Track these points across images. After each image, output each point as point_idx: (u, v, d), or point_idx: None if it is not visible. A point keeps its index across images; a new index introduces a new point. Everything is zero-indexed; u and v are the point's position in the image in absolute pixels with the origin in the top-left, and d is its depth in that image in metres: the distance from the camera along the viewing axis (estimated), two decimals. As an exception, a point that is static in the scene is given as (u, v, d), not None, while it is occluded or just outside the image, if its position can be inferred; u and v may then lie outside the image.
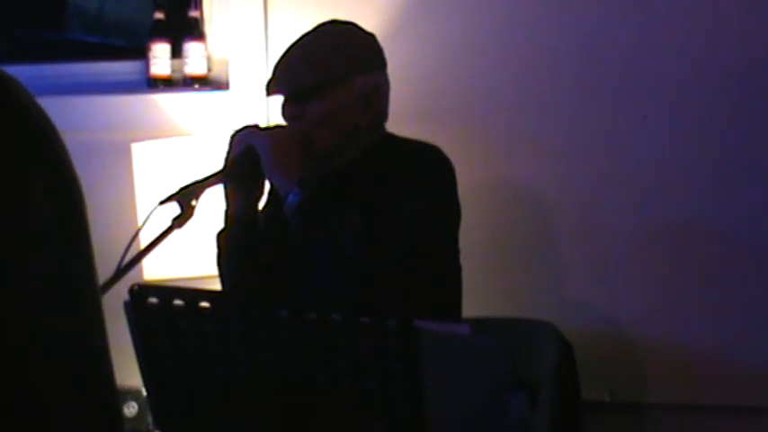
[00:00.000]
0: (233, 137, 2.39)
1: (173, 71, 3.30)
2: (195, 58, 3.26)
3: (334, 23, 2.52)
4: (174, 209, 2.22)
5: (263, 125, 2.46)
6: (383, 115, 2.50)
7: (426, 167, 2.44)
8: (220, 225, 2.51)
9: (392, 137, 2.53)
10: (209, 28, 3.31)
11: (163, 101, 3.24)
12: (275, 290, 2.47)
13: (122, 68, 3.43)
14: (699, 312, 3.08)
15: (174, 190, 2.24)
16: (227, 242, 2.49)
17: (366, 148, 2.47)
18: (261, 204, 2.54)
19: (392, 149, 2.49)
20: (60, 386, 0.86)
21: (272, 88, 2.44)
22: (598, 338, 3.10)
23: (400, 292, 2.28)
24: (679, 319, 3.09)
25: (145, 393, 2.30)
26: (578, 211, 3.11)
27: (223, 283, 2.53)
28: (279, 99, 2.47)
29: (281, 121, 2.46)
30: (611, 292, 3.12)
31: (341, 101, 2.40)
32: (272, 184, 2.41)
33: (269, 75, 2.44)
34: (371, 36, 2.51)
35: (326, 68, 2.40)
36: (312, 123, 2.40)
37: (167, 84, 3.29)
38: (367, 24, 2.68)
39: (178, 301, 1.85)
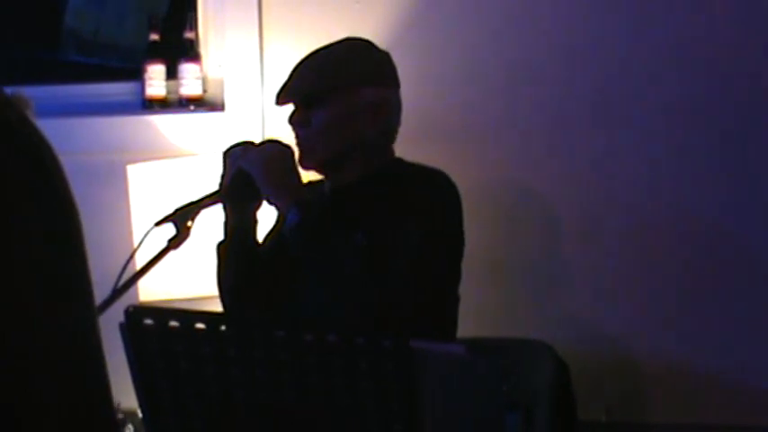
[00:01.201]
0: (225, 154, 2.39)
1: (168, 92, 3.31)
2: (190, 79, 3.26)
3: (349, 38, 2.55)
4: (169, 230, 2.22)
5: (256, 141, 2.46)
6: (390, 133, 2.50)
7: (434, 194, 2.44)
8: (219, 238, 2.52)
9: (400, 161, 2.53)
10: (204, 49, 3.32)
11: (158, 122, 3.24)
12: (275, 306, 2.47)
13: (117, 90, 3.43)
14: (696, 331, 3.08)
15: (170, 211, 2.24)
16: (224, 253, 2.49)
17: (373, 170, 2.47)
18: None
19: (399, 173, 2.49)
20: (58, 404, 0.86)
21: (281, 97, 2.46)
22: (594, 358, 3.10)
23: (396, 316, 2.28)
24: (676, 339, 3.09)
25: (140, 415, 2.30)
26: (573, 231, 3.11)
27: (221, 295, 2.53)
28: (276, 118, 2.48)
29: (278, 133, 2.46)
30: (607, 312, 3.12)
31: (346, 109, 2.41)
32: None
33: (267, 94, 2.46)
34: (386, 54, 2.51)
35: (333, 76, 2.42)
36: (317, 130, 2.41)
37: (162, 105, 3.30)
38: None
39: (174, 323, 1.84)
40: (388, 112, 2.46)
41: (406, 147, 2.56)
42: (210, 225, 2.57)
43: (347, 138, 2.44)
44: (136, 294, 2.84)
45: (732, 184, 3.04)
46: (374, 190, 2.45)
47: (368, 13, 3.13)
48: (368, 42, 2.53)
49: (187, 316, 1.87)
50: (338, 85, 2.41)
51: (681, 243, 3.08)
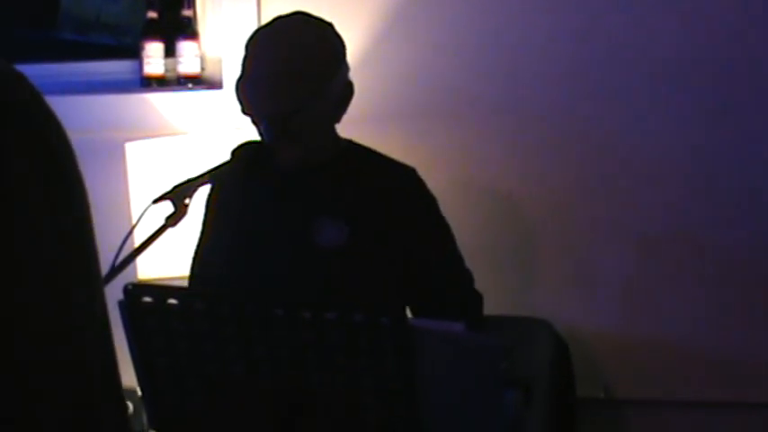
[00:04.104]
0: (234, 153, 2.36)
1: (166, 70, 3.30)
2: (188, 58, 3.25)
3: (294, 24, 2.43)
4: (167, 207, 2.22)
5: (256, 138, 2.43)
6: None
7: (421, 190, 2.48)
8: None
9: (354, 143, 2.52)
10: (202, 27, 3.31)
11: (156, 100, 3.23)
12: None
13: (116, 68, 3.42)
14: (693, 309, 3.08)
15: (168, 189, 2.24)
16: None
17: (335, 151, 2.47)
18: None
19: (367, 164, 2.49)
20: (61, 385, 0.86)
21: (255, 110, 2.38)
22: (593, 335, 3.10)
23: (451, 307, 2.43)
24: (673, 316, 3.09)
25: (139, 393, 2.30)
26: (572, 209, 3.11)
27: None
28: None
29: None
30: (606, 290, 3.12)
31: (323, 109, 2.39)
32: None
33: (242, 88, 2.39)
34: (330, 26, 2.44)
35: (306, 84, 2.34)
36: (303, 144, 2.39)
37: (161, 83, 3.29)
38: (358, 26, 2.68)
39: (172, 300, 1.85)
40: (352, 88, 2.45)
41: (399, 132, 2.55)
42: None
43: (333, 124, 2.45)
44: (134, 272, 2.84)
45: (729, 166, 3.04)
46: (344, 174, 2.45)
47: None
48: (315, 19, 2.44)
49: (186, 294, 1.87)
50: (312, 93, 2.35)
51: (676, 223, 3.08)
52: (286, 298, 1.90)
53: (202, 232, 2.56)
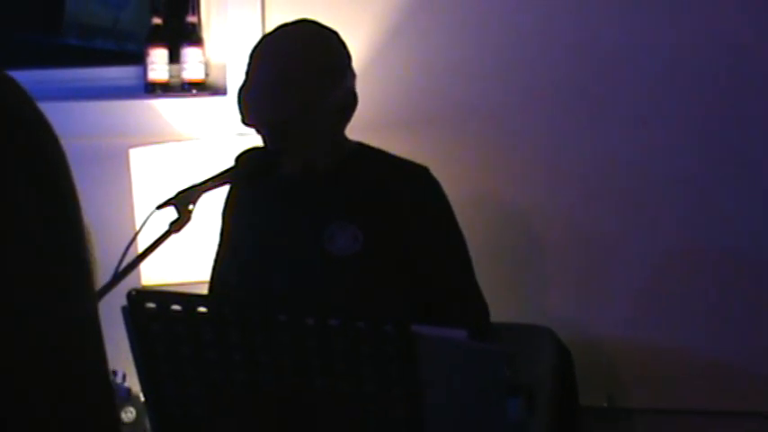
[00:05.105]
0: (238, 160, 2.36)
1: (170, 76, 3.30)
2: (193, 64, 3.26)
3: (298, 32, 2.43)
4: (171, 213, 2.22)
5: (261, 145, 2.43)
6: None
7: (435, 190, 2.46)
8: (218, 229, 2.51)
9: (365, 146, 2.52)
10: (206, 33, 3.31)
11: (160, 106, 3.24)
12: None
13: (120, 74, 3.42)
14: (697, 318, 3.08)
15: (172, 195, 2.24)
16: None
17: (343, 154, 2.46)
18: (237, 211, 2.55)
19: (378, 165, 2.48)
20: (54, 391, 0.85)
21: (253, 118, 2.38)
22: (596, 343, 3.10)
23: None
24: (677, 325, 3.09)
25: (143, 399, 2.30)
26: (576, 218, 3.11)
27: None
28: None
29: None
30: (610, 297, 3.12)
31: (324, 118, 2.38)
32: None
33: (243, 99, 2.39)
34: (335, 35, 2.44)
35: (305, 93, 2.34)
36: (299, 150, 2.38)
37: (165, 89, 3.29)
38: (362, 32, 2.67)
39: (176, 306, 1.84)
40: (356, 98, 2.44)
41: (400, 140, 2.55)
42: (212, 209, 2.57)
43: (335, 131, 2.44)
44: (138, 278, 2.84)
45: (733, 172, 3.04)
46: (355, 178, 2.44)
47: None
48: (319, 27, 2.43)
49: (189, 300, 1.87)
50: (311, 100, 2.34)
51: (681, 231, 3.08)
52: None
53: (219, 247, 2.56)
